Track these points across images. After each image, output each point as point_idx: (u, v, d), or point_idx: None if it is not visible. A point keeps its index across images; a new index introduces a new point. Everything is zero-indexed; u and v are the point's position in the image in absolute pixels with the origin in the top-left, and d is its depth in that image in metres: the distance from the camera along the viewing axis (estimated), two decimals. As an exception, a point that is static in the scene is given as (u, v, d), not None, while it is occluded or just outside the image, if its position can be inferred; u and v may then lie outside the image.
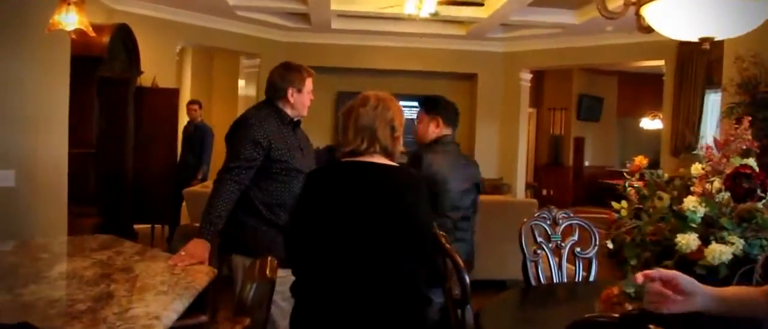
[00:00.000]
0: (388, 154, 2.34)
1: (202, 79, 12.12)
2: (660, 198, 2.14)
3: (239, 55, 11.11)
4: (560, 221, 3.18)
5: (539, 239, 3.11)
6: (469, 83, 11.61)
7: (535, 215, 3.17)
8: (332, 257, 2.21)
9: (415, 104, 11.18)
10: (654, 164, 9.03)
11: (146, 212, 7.75)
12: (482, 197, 4.78)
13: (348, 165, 2.31)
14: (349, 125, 2.32)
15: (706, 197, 2.17)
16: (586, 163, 14.55)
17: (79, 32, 2.82)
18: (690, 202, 2.11)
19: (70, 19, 2.76)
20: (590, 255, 3.16)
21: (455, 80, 11.68)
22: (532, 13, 9.01)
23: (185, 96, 11.39)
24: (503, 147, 11.29)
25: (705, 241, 2.09)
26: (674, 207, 2.17)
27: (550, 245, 3.12)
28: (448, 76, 11.53)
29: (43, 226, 4.38)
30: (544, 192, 13.78)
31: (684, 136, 8.84)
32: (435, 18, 8.56)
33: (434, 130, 3.53)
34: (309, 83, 3.18)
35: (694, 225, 2.10)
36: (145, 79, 8.32)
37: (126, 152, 7.18)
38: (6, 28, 3.74)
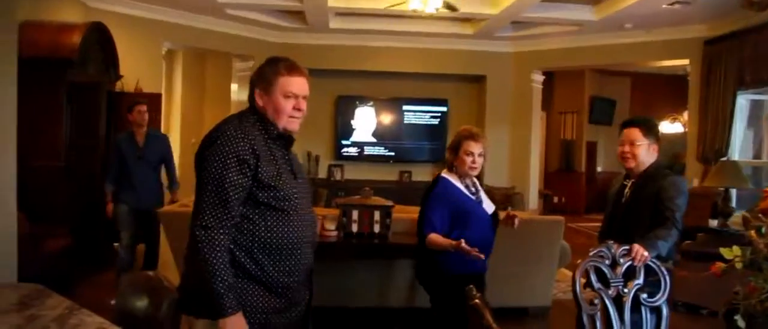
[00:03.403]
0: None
1: (194, 84, 11.41)
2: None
3: (232, 57, 10.41)
4: (621, 260, 2.46)
5: (597, 285, 2.39)
6: (478, 85, 10.91)
7: (591, 253, 2.44)
8: None
9: (420, 108, 10.66)
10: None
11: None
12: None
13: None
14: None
15: None
16: (599, 168, 13.88)
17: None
18: None
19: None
20: (659, 302, 2.44)
21: (462, 83, 10.99)
22: (546, 10, 8.31)
23: (175, 101, 10.73)
24: (514, 154, 10.58)
25: None
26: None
27: (610, 291, 2.40)
28: (455, 78, 10.84)
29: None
30: (556, 200, 13.10)
31: (713, 141, 8.13)
32: (441, 15, 7.86)
33: (653, 154, 3.32)
34: (285, 83, 2.30)
35: None
36: (128, 84, 7.64)
37: (98, 164, 6.45)
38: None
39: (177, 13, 8.52)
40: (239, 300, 2.18)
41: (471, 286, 1.92)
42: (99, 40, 6.65)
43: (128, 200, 5.54)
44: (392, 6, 7.49)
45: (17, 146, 3.86)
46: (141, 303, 2.21)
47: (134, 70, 7.65)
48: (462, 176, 3.46)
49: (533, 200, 10.66)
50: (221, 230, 2.15)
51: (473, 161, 3.40)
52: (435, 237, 3.30)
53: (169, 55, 10.14)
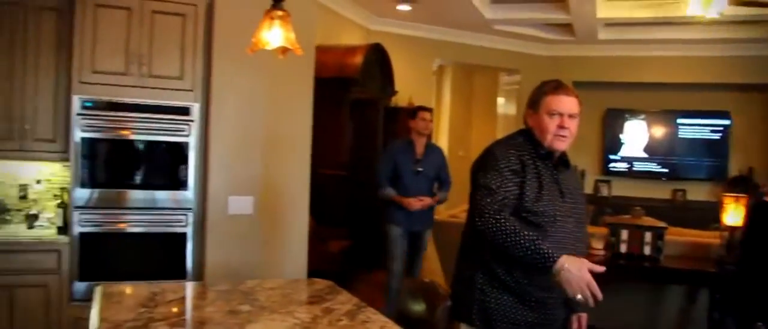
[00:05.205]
0: None
1: (462, 98, 11.84)
2: None
3: (498, 71, 10.60)
4: None
5: None
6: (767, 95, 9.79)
7: None
8: None
9: (698, 121, 9.84)
10: None
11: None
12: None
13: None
14: None
15: None
16: None
17: (284, 50, 2.45)
18: None
19: (273, 37, 2.38)
20: None
21: (748, 93, 9.90)
22: None
23: (444, 115, 11.21)
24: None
25: None
26: None
27: None
28: (739, 88, 9.81)
29: (282, 254, 4.22)
30: None
31: None
32: (723, 19, 7.23)
33: None
34: (550, 101, 2.37)
35: None
36: (401, 99, 8.18)
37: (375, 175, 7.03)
38: (244, 52, 3.57)
39: (448, 31, 8.93)
40: (494, 308, 2.30)
41: (759, 324, 1.79)
42: (378, 60, 7.23)
43: (402, 221, 5.01)
44: (667, 12, 7.10)
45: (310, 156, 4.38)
46: (418, 307, 2.40)
47: (407, 86, 8.17)
48: None
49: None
50: (502, 219, 2.21)
51: None
52: None
53: (439, 71, 10.65)
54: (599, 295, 2.06)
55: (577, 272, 2.07)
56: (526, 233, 2.17)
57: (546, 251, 2.13)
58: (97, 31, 3.80)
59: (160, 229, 4.01)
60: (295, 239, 4.32)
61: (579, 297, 2.06)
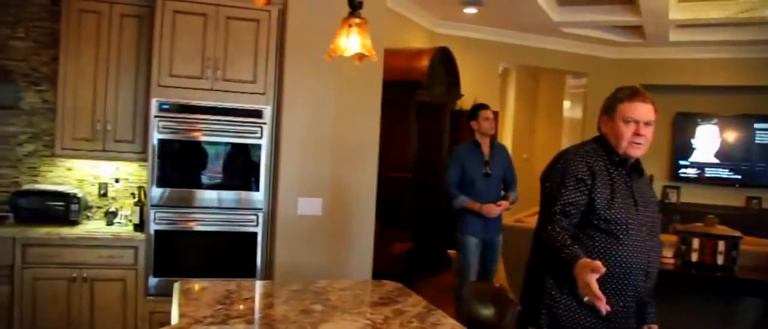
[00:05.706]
0: None
1: (527, 101, 11.73)
2: None
3: (565, 74, 10.46)
4: None
5: None
6: None
7: None
8: None
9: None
10: None
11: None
12: None
13: None
14: None
15: None
16: None
17: (360, 57, 2.49)
18: None
19: (351, 44, 2.44)
20: None
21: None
22: None
23: (507, 118, 11.13)
24: None
25: None
26: None
27: None
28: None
29: (348, 255, 4.29)
30: None
31: None
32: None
33: None
34: (625, 108, 2.36)
35: None
36: (466, 102, 8.16)
37: (439, 177, 7.04)
38: (315, 57, 3.63)
39: (514, 34, 8.87)
40: (563, 315, 2.32)
41: None
42: (444, 63, 7.24)
43: (478, 230, 4.76)
44: (744, 12, 6.87)
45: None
46: (487, 311, 2.42)
47: (472, 89, 8.13)
48: None
49: None
50: (550, 227, 2.30)
51: None
52: None
53: (503, 74, 10.58)
54: (600, 297, 2.02)
55: (577, 274, 2.09)
56: (560, 238, 2.23)
57: (566, 257, 2.16)
58: (175, 36, 3.94)
59: (232, 228, 4.12)
60: (362, 241, 4.37)
61: (585, 299, 2.04)
